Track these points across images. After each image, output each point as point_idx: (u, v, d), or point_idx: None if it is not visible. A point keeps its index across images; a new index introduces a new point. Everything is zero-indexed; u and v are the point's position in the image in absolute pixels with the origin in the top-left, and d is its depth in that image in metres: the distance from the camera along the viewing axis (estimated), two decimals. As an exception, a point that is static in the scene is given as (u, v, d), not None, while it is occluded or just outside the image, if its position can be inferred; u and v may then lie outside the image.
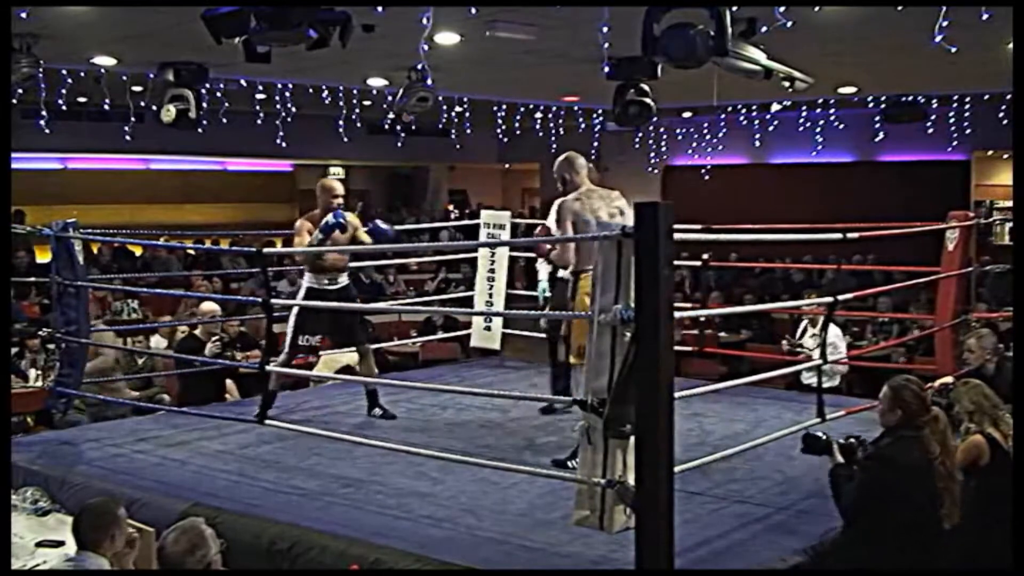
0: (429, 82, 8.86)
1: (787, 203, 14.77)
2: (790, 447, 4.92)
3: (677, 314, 3.98)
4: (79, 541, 3.81)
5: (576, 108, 14.91)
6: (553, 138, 16.06)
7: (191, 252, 14.13)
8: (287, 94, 11.92)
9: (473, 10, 7.05)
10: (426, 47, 7.38)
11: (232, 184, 18.32)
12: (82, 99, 12.13)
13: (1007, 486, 4.58)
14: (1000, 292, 9.85)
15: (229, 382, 8.90)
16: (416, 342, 11.11)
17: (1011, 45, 8.07)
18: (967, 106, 13.90)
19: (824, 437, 4.24)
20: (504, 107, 14.10)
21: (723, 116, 15.74)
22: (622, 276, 3.68)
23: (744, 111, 15.16)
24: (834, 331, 7.43)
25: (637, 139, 17.01)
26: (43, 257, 11.24)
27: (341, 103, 12.66)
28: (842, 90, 12.39)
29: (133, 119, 11.69)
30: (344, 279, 6.48)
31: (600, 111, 15.09)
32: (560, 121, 15.67)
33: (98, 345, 7.73)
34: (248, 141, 14.47)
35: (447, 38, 8.27)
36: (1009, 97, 12.22)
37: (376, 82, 11.22)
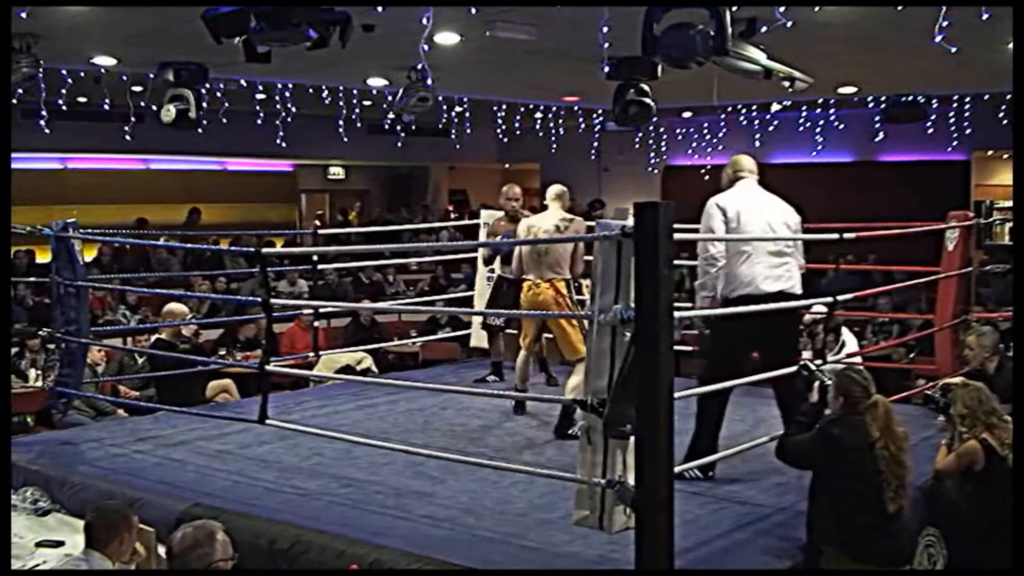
0: (429, 82, 8.87)
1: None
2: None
3: (677, 314, 3.98)
4: (87, 538, 3.82)
5: (576, 108, 14.90)
6: (553, 138, 16.05)
7: (190, 252, 14.14)
8: (287, 94, 11.91)
9: (473, 10, 7.06)
10: (426, 47, 7.37)
11: (232, 184, 18.29)
12: (82, 99, 12.12)
13: (1003, 491, 4.59)
14: (1000, 293, 9.87)
15: (229, 382, 8.93)
16: (416, 342, 11.11)
17: (1011, 45, 8.07)
18: (967, 106, 13.88)
19: (814, 373, 4.45)
20: (504, 107, 14.09)
21: (723, 116, 15.71)
22: (622, 276, 3.68)
23: (744, 111, 15.14)
24: (851, 340, 7.43)
25: (637, 139, 16.98)
26: (43, 257, 11.24)
27: (341, 103, 12.65)
28: (842, 90, 12.39)
29: (133, 119, 11.67)
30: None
31: (600, 111, 15.08)
32: (560, 121, 15.65)
33: (98, 345, 7.75)
34: (248, 141, 14.44)
35: (447, 38, 8.27)
36: (1009, 97, 12.21)
37: (376, 82, 11.22)
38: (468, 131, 15.03)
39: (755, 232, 5.16)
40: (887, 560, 4.13)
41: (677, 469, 4.64)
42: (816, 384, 4.39)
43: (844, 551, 4.07)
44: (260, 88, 11.66)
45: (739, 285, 5.11)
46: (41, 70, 8.28)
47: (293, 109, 12.45)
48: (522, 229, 6.60)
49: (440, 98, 11.60)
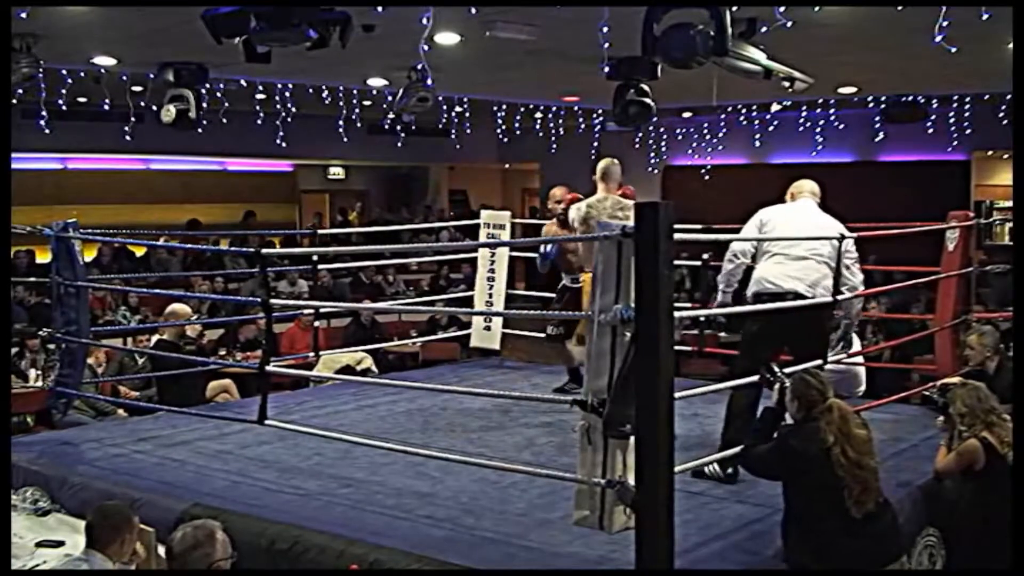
0: (429, 82, 8.86)
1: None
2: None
3: (677, 314, 3.98)
4: (88, 539, 3.83)
5: (576, 108, 14.91)
6: (553, 138, 16.05)
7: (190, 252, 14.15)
8: (287, 94, 11.91)
9: (473, 10, 7.06)
10: (426, 47, 7.37)
11: (232, 184, 18.30)
12: (82, 99, 12.12)
13: (1003, 490, 4.59)
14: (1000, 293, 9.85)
15: (229, 382, 8.93)
16: (416, 342, 11.11)
17: (1011, 45, 8.07)
18: (967, 106, 13.89)
19: (776, 377, 4.39)
20: (504, 107, 14.09)
21: (723, 116, 15.72)
22: (622, 276, 3.68)
23: (744, 111, 15.15)
24: (854, 340, 7.41)
25: (637, 139, 16.99)
26: (43, 257, 11.24)
27: (341, 103, 12.65)
28: (842, 90, 12.39)
29: (133, 119, 11.68)
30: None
31: (600, 111, 15.08)
32: (560, 121, 15.66)
33: (98, 345, 7.75)
34: (248, 141, 14.45)
35: (447, 38, 8.27)
36: (1009, 97, 12.21)
37: (376, 82, 11.22)
38: (468, 131, 15.04)
39: (777, 233, 5.38)
40: (861, 564, 4.06)
41: (690, 465, 4.70)
42: (776, 387, 4.34)
43: (811, 559, 4.04)
44: (260, 88, 11.66)
45: (755, 282, 5.39)
46: (41, 70, 8.28)
47: (293, 109, 12.46)
48: (578, 215, 6.37)
49: (440, 98, 11.60)
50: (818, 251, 5.31)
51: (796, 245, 5.32)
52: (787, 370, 4.52)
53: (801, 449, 4.05)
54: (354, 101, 12.67)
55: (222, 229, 16.49)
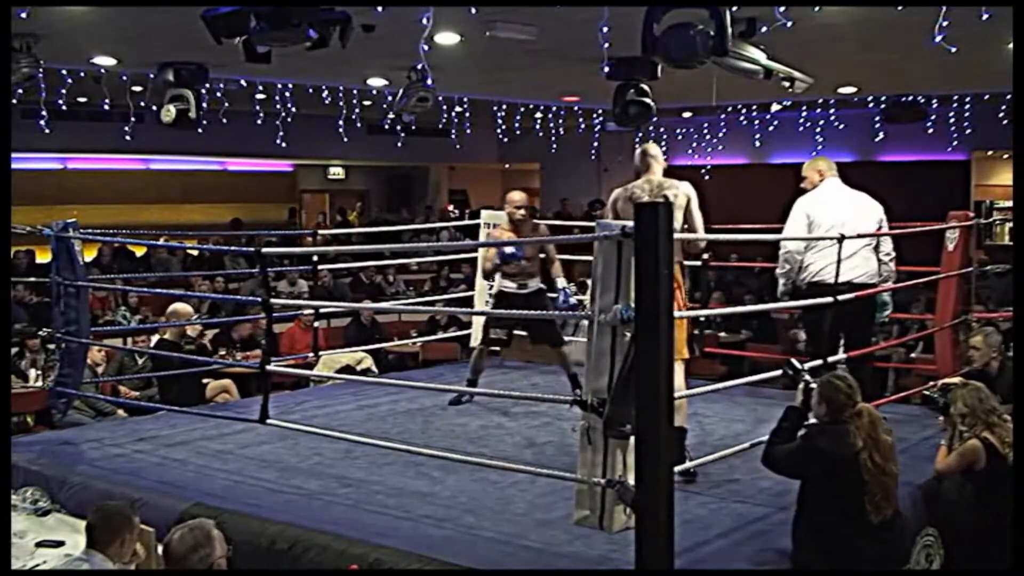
0: (429, 82, 8.86)
1: (787, 203, 14.70)
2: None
3: (677, 314, 3.98)
4: (88, 539, 3.83)
5: (576, 108, 14.91)
6: (553, 138, 16.05)
7: (191, 252, 14.16)
8: (287, 94, 11.91)
9: (473, 10, 7.05)
10: (426, 47, 7.37)
11: (232, 184, 18.33)
12: (82, 99, 12.13)
13: (1003, 491, 4.59)
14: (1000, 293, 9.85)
15: (228, 382, 8.92)
16: (416, 342, 11.11)
17: (1011, 45, 8.07)
18: (967, 106, 13.89)
19: (799, 373, 4.43)
20: (504, 107, 14.09)
21: (723, 116, 15.72)
22: (622, 276, 3.69)
23: (744, 111, 15.15)
24: None
25: (637, 139, 16.98)
26: (43, 257, 11.24)
27: (341, 103, 12.66)
28: (842, 90, 12.39)
29: (133, 119, 11.68)
30: (534, 284, 6.73)
31: (600, 111, 15.09)
32: (560, 121, 15.66)
33: (97, 345, 7.75)
34: (248, 141, 14.47)
35: (447, 38, 8.27)
36: (1009, 97, 12.21)
37: (376, 82, 11.22)
38: (468, 131, 15.03)
39: (825, 227, 5.89)
40: (873, 568, 4.06)
41: (689, 465, 4.78)
42: (800, 386, 4.34)
43: (820, 559, 4.04)
44: (260, 88, 11.66)
45: (810, 273, 5.93)
46: (41, 70, 8.28)
47: (293, 109, 12.46)
48: (622, 195, 5.41)
49: (440, 98, 11.60)
50: (863, 237, 5.79)
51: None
52: (807, 365, 4.54)
53: (829, 450, 4.05)
54: (354, 101, 12.67)
55: (223, 229, 16.47)
